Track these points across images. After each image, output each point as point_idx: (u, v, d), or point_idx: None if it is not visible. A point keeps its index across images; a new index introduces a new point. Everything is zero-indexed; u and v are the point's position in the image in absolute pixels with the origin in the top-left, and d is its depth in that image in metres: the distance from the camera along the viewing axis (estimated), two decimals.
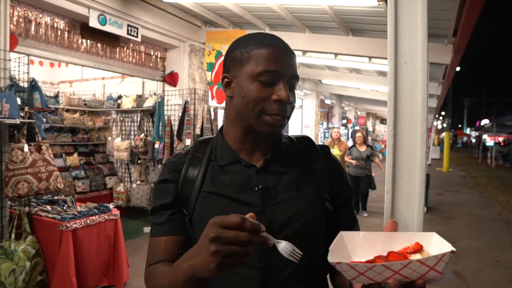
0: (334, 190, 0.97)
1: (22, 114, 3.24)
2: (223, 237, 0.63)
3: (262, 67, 0.84)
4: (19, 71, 3.37)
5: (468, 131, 55.06)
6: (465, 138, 48.70)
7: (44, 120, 5.59)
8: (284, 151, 0.96)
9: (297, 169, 0.95)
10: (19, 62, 3.37)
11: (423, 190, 1.07)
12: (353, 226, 1.00)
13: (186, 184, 0.93)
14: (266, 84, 0.85)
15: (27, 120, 3.26)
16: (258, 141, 0.93)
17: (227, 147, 0.94)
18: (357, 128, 17.36)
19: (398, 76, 1.07)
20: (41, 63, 7.22)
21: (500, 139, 25.76)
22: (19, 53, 3.58)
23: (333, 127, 7.67)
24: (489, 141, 25.95)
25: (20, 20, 3.80)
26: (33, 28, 3.94)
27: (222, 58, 5.66)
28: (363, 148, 6.80)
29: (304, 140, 1.03)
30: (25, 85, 3.42)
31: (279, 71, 0.84)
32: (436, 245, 0.66)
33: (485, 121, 33.72)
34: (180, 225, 0.93)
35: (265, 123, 0.87)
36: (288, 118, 0.90)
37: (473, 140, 35.26)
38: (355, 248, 0.73)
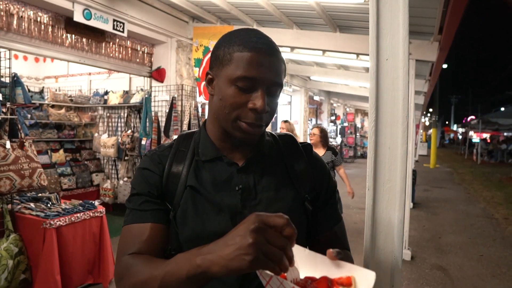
0: (315, 189, 0.96)
1: (4, 110, 3.18)
2: (266, 233, 0.60)
3: (241, 72, 0.79)
4: (0, 66, 3.30)
5: (455, 127, 55.80)
6: (452, 135, 49.34)
7: (29, 116, 5.50)
8: (266, 150, 0.95)
9: (279, 169, 0.94)
10: (0, 57, 3.30)
11: (404, 187, 1.07)
12: (334, 225, 0.99)
13: (171, 179, 0.90)
14: (244, 90, 0.81)
15: (9, 116, 3.20)
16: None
17: (210, 142, 0.93)
18: (345, 124, 17.36)
19: (380, 73, 1.07)
20: (25, 58, 7.08)
21: (486, 135, 26.15)
22: (0, 47, 3.50)
23: (284, 120, 5.24)
24: (475, 137, 26.38)
25: (2, 13, 3.70)
26: (15, 22, 3.84)
27: (209, 54, 5.66)
28: (321, 152, 4.41)
29: (287, 139, 1.02)
30: (7, 80, 3.35)
31: (258, 78, 0.80)
32: (367, 285, 0.67)
33: (471, 118, 34.18)
34: (166, 216, 0.88)
35: (240, 129, 0.84)
36: (266, 125, 0.88)
37: (460, 137, 35.73)
38: (299, 262, 0.72)
